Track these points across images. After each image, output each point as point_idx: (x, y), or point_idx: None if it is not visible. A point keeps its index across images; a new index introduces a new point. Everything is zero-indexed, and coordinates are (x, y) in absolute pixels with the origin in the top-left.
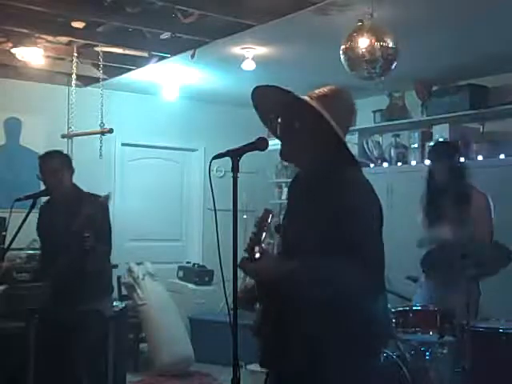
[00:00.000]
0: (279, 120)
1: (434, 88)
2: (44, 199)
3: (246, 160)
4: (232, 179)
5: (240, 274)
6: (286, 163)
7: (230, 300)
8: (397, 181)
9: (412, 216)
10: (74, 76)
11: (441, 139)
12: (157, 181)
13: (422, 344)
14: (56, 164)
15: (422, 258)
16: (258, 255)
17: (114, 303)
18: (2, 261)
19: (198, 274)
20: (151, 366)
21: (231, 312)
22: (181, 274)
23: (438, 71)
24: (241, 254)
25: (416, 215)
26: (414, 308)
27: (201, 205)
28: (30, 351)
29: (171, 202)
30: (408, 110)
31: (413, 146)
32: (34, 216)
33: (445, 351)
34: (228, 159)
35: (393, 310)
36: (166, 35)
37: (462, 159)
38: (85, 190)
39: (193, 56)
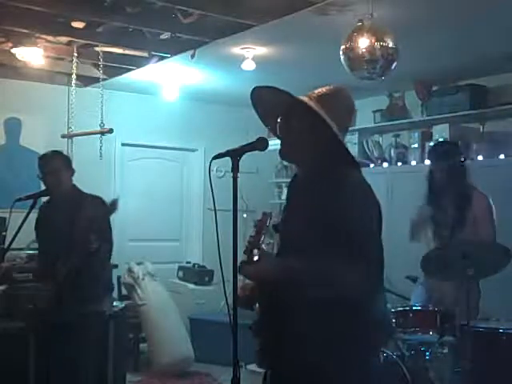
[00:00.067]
0: (278, 120)
1: (434, 88)
2: (44, 199)
3: (245, 160)
4: (232, 179)
5: (240, 276)
6: (285, 163)
7: (230, 300)
8: (397, 181)
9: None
10: (73, 76)
11: (441, 139)
12: (157, 181)
13: (421, 344)
14: (56, 164)
15: (423, 257)
16: (256, 257)
17: (114, 303)
18: (2, 261)
19: (198, 274)
20: (151, 366)
21: (231, 312)
22: (181, 274)
23: (438, 71)
24: (241, 253)
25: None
26: (414, 308)
27: (201, 205)
28: (29, 351)
29: (171, 201)
30: (408, 109)
31: (413, 146)
32: (34, 216)
33: (445, 351)
34: (228, 159)
35: (393, 310)
36: (165, 35)
37: (462, 159)
38: (85, 189)
39: (193, 56)
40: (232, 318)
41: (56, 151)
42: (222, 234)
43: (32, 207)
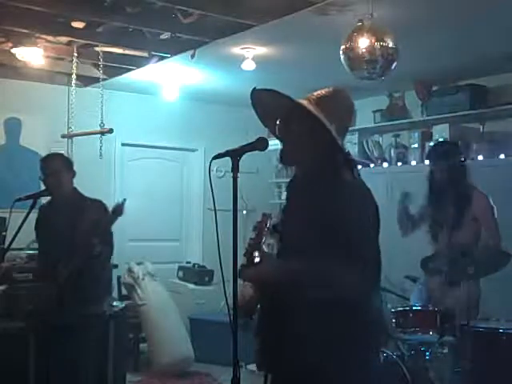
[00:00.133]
0: (277, 122)
1: (434, 88)
2: (44, 199)
3: (245, 160)
4: (232, 179)
5: (240, 280)
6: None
7: (230, 300)
8: (397, 181)
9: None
10: (74, 76)
11: (441, 139)
12: (157, 181)
13: (421, 344)
14: (57, 166)
15: (423, 257)
16: (257, 259)
17: (114, 303)
18: (2, 261)
19: (198, 274)
20: (151, 366)
21: (231, 312)
22: (181, 274)
23: (438, 71)
24: (241, 253)
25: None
26: (414, 308)
27: (201, 205)
28: (30, 351)
29: (171, 201)
30: (408, 110)
31: (413, 146)
32: (34, 216)
33: (445, 351)
34: (228, 159)
35: (393, 310)
36: (166, 35)
37: (462, 159)
38: (85, 189)
39: (193, 56)
40: (232, 317)
41: (58, 153)
42: (222, 234)
43: (32, 207)
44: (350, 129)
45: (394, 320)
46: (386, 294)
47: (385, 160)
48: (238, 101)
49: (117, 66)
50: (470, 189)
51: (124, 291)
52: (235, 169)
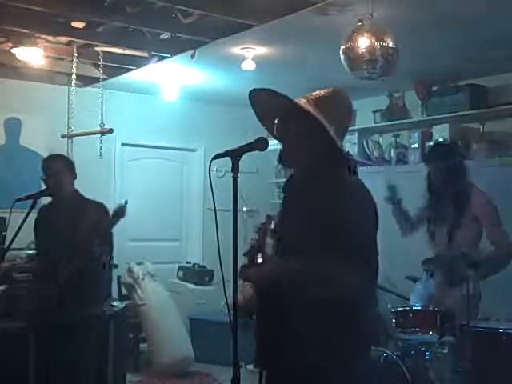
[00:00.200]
0: (276, 122)
1: (434, 88)
2: (44, 200)
3: (245, 160)
4: (232, 179)
5: (240, 280)
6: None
7: (230, 300)
8: (397, 181)
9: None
10: (73, 76)
11: (441, 139)
12: (157, 181)
13: (421, 344)
14: (59, 167)
15: (424, 259)
16: (260, 260)
17: (114, 303)
18: (2, 261)
19: (198, 274)
20: (151, 366)
21: (231, 312)
22: (181, 274)
23: (438, 71)
24: (241, 253)
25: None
26: (414, 308)
27: (201, 205)
28: (30, 351)
29: (171, 202)
30: (408, 110)
31: (413, 146)
32: (34, 216)
33: (445, 351)
34: (228, 159)
35: (393, 310)
36: (166, 35)
37: (459, 160)
38: (85, 189)
39: (193, 56)
40: (232, 317)
41: (60, 154)
42: (222, 234)
43: (32, 207)
44: (350, 129)
45: (393, 320)
46: (385, 294)
47: (385, 160)
48: (238, 101)
49: (117, 66)
50: (468, 188)
51: (124, 291)
52: (235, 169)
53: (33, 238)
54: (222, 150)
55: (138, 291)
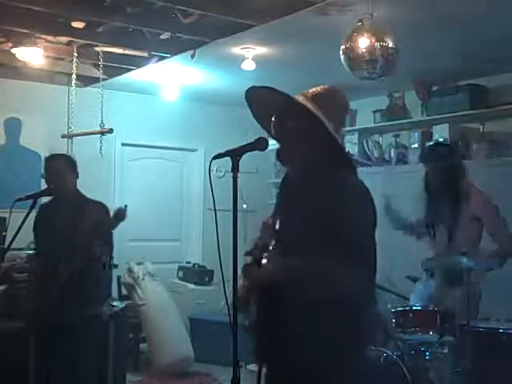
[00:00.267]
0: (273, 120)
1: (434, 88)
2: (44, 199)
3: (245, 160)
4: (232, 179)
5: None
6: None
7: (230, 300)
8: (397, 181)
9: (412, 216)
10: (74, 76)
11: (441, 139)
12: (157, 181)
13: (421, 344)
14: (61, 166)
15: (424, 259)
16: (264, 260)
17: (114, 303)
18: (2, 261)
19: (198, 274)
20: (151, 366)
21: (231, 312)
22: (181, 274)
23: (438, 71)
24: (241, 253)
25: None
26: (414, 308)
27: (201, 205)
28: (30, 351)
29: (171, 202)
30: (408, 110)
31: (413, 146)
32: (34, 216)
33: (445, 351)
34: (228, 159)
35: (393, 310)
36: (166, 35)
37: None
38: (85, 189)
39: (193, 56)
40: (232, 317)
41: (63, 154)
42: (222, 234)
43: (32, 207)
44: (350, 129)
45: (393, 320)
46: (385, 294)
47: (385, 160)
48: (238, 101)
49: (117, 66)
50: (466, 188)
51: (124, 291)
52: (235, 169)
53: (33, 238)
54: (222, 150)
55: (138, 291)
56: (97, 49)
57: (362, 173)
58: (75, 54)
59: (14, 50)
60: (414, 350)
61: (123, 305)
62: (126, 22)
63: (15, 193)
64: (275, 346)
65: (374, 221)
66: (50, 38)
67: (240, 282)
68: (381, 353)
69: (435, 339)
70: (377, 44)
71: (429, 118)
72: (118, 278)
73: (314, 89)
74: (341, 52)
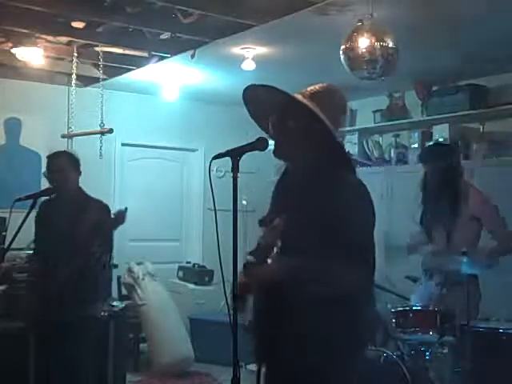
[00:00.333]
0: (271, 119)
1: (434, 88)
2: (44, 199)
3: (245, 160)
4: (232, 179)
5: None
6: (279, 160)
7: (230, 300)
8: (397, 181)
9: (412, 216)
10: (74, 76)
11: (441, 139)
12: (157, 181)
13: (421, 344)
14: (64, 163)
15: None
16: (270, 260)
17: (114, 303)
18: (2, 261)
19: (198, 274)
20: (151, 366)
21: (231, 312)
22: (181, 274)
23: (438, 71)
24: (241, 253)
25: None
26: (414, 308)
27: (201, 205)
28: (29, 351)
29: (171, 202)
30: (408, 109)
31: (413, 146)
32: (34, 216)
33: (445, 351)
34: (228, 159)
35: (393, 310)
36: (166, 35)
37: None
38: (85, 189)
39: (193, 56)
40: (232, 317)
41: (65, 151)
42: (222, 234)
43: (32, 207)
44: (350, 129)
45: (393, 320)
46: (385, 294)
47: (385, 160)
48: (238, 101)
49: (117, 66)
50: (465, 187)
51: (124, 291)
52: (235, 169)
53: (33, 238)
54: (222, 150)
55: (138, 291)
56: (97, 49)
57: (362, 173)
58: (75, 54)
59: (14, 50)
60: (414, 350)
61: (123, 305)
62: (125, 22)
63: (15, 193)
64: (275, 346)
65: (373, 221)
66: (50, 38)
67: (239, 278)
68: (381, 353)
69: (435, 339)
70: (377, 44)
71: (429, 118)
72: (118, 278)
73: (311, 87)
74: (341, 52)
